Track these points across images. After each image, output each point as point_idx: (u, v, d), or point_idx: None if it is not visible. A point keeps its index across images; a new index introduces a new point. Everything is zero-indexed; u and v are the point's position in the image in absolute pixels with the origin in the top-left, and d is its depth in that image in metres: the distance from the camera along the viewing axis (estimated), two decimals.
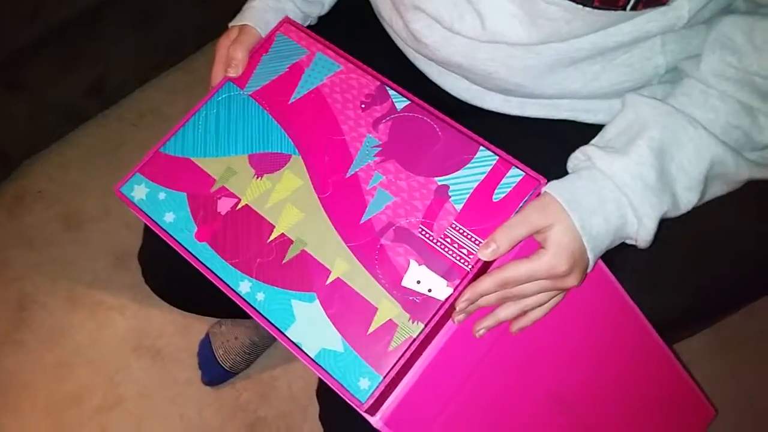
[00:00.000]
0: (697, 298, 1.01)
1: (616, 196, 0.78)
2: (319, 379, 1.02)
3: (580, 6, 0.76)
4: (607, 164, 0.79)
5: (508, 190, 0.82)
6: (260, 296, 0.81)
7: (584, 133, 0.88)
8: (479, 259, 0.78)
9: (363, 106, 0.89)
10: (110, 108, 2.10)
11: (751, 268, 1.02)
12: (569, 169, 0.84)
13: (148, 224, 0.88)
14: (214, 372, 1.69)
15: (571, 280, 0.79)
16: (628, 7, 0.76)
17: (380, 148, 0.87)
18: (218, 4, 2.00)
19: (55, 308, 1.83)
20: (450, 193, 0.83)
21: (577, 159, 0.83)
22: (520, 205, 0.80)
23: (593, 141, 0.84)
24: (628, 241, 0.84)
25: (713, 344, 1.71)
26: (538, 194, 0.81)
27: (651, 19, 0.81)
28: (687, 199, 0.81)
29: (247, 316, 1.51)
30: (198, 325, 1.76)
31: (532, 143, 0.89)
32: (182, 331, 1.78)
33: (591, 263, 0.80)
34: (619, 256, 0.87)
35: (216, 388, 1.71)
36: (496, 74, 0.90)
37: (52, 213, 1.98)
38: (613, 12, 0.77)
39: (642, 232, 0.80)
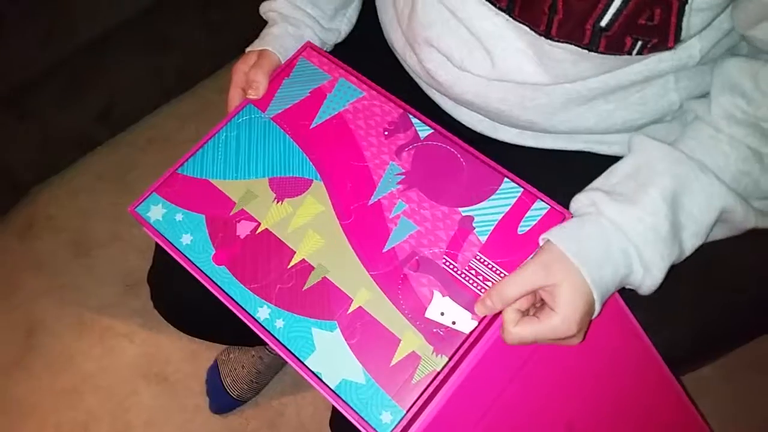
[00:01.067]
0: (704, 333, 0.99)
1: (623, 246, 0.76)
2: (334, 409, 1.01)
3: (585, 50, 0.76)
4: (616, 212, 0.76)
5: (533, 223, 0.81)
6: (279, 323, 0.79)
7: (599, 164, 0.87)
8: None
9: (386, 133, 0.89)
10: (120, 134, 2.09)
11: (759, 302, 1.00)
12: (572, 212, 0.82)
13: (163, 246, 0.86)
14: (221, 400, 1.66)
15: (575, 340, 0.77)
16: (634, 53, 0.75)
17: (403, 176, 0.86)
18: (228, 30, 2.01)
19: (63, 334, 1.81)
20: (474, 225, 0.82)
21: (580, 203, 0.81)
22: None
23: (597, 184, 0.82)
24: (628, 287, 0.81)
25: (720, 373, 1.68)
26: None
27: (662, 59, 0.80)
28: (692, 244, 0.79)
29: (257, 344, 1.51)
30: (207, 353, 1.74)
31: (547, 174, 0.87)
32: (191, 357, 1.76)
33: (597, 313, 0.77)
34: (624, 290, 0.85)
35: (224, 416, 1.68)
36: (508, 112, 0.90)
37: (61, 239, 1.96)
38: (619, 57, 0.76)
39: (648, 281, 0.78)
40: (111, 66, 1.89)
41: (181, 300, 1.09)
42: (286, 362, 0.78)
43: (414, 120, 0.89)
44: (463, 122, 1.00)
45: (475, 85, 0.88)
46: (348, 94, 0.92)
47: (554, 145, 0.96)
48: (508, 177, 0.84)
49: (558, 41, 0.77)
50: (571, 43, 0.76)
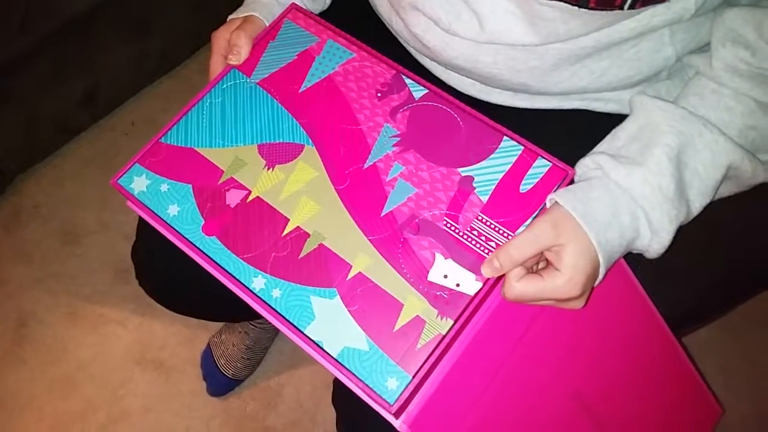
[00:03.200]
0: (709, 289, 0.98)
1: (631, 209, 0.74)
2: (335, 383, 1.00)
3: (575, 7, 0.73)
4: (623, 176, 0.74)
5: (536, 180, 0.79)
6: (276, 293, 0.77)
7: (596, 121, 0.86)
8: None
9: (379, 95, 0.86)
10: (103, 118, 2.06)
11: (763, 256, 0.98)
12: (577, 177, 0.80)
13: (148, 219, 0.84)
14: (218, 382, 1.66)
15: (577, 304, 0.76)
16: (626, 7, 0.72)
17: (399, 138, 0.83)
18: (211, 10, 1.96)
19: (55, 324, 1.79)
20: (475, 185, 0.80)
21: (586, 167, 0.79)
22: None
23: (602, 147, 0.80)
24: (635, 251, 0.80)
25: (725, 333, 1.69)
26: (568, 183, 0.77)
27: (656, 13, 0.77)
28: (699, 204, 0.77)
29: (243, 319, 1.49)
30: (201, 336, 1.73)
31: (544, 134, 0.85)
32: (185, 342, 1.75)
33: (601, 277, 0.76)
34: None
35: (222, 399, 1.68)
36: (499, 76, 0.88)
37: (49, 228, 1.94)
38: (610, 12, 0.74)
39: (655, 245, 0.76)
40: (92, 49, 1.86)
41: (168, 275, 1.07)
42: (285, 334, 0.76)
43: (407, 80, 0.87)
44: (455, 86, 0.98)
45: (464, 49, 0.86)
46: (337, 56, 0.89)
47: (549, 105, 0.94)
48: (507, 135, 0.82)
49: None
50: (560, 0, 0.73)
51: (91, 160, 2.02)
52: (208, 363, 1.66)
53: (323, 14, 1.07)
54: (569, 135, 0.84)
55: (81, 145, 2.04)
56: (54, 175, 2.00)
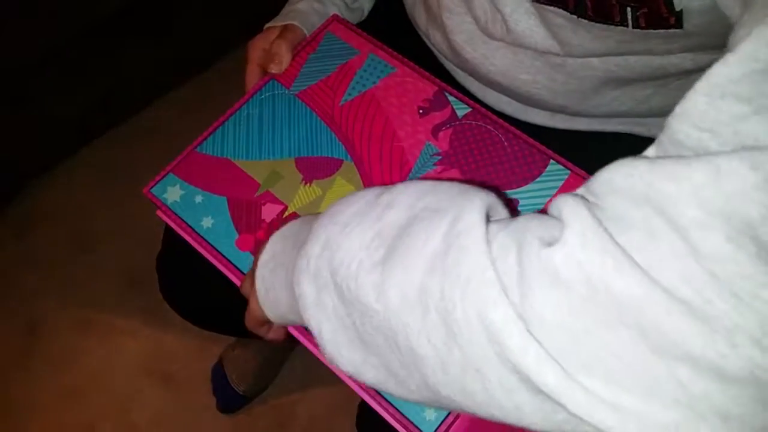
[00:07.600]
0: None
1: None
2: (360, 407, 0.96)
3: (575, 17, 0.70)
4: None
5: None
6: None
7: (639, 145, 0.81)
8: None
9: (421, 111, 0.84)
10: (119, 125, 2.04)
11: None
12: None
13: (179, 231, 0.81)
14: (228, 398, 1.63)
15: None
16: (629, 23, 0.68)
17: (441, 157, 0.81)
18: (229, 19, 1.98)
19: (65, 333, 1.78)
20: (519, 209, 0.77)
21: None
22: None
23: None
24: None
25: None
26: None
27: (698, 60, 0.73)
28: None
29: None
30: (213, 349, 1.70)
31: (583, 157, 0.82)
32: (196, 355, 1.72)
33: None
34: None
35: (232, 416, 1.65)
36: (537, 96, 0.85)
37: (61, 234, 1.92)
38: (617, 27, 0.69)
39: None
40: (111, 55, 1.85)
41: (194, 288, 1.04)
42: (318, 358, 0.72)
43: (450, 98, 0.84)
44: (491, 105, 0.95)
45: (502, 66, 0.83)
46: (378, 69, 0.87)
47: (589, 127, 0.91)
48: (554, 158, 0.79)
49: (544, 4, 0.71)
50: (557, 6, 0.70)
51: (106, 166, 2.00)
52: (219, 378, 1.63)
53: (359, 25, 1.05)
54: (610, 159, 0.80)
55: (95, 152, 2.02)
56: (67, 181, 1.99)
